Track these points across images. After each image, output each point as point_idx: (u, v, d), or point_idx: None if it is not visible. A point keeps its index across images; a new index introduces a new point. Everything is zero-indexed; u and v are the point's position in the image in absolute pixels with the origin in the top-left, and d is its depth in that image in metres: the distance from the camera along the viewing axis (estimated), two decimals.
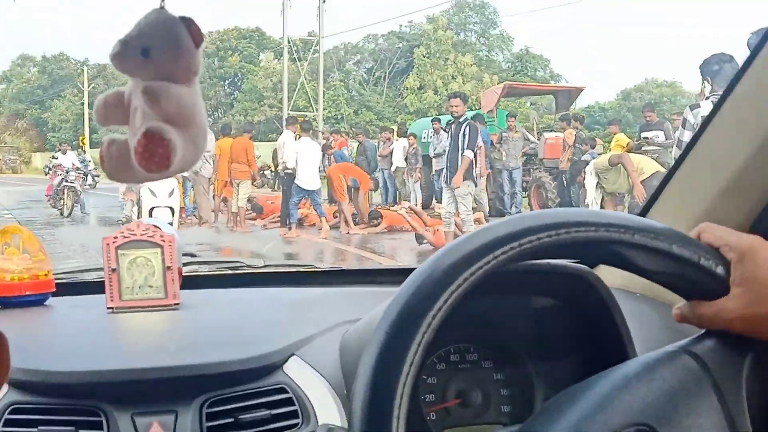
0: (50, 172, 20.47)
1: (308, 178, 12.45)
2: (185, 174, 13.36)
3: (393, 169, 17.75)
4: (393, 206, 15.70)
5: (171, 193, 11.25)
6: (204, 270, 1.97)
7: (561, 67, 58.96)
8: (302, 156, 12.46)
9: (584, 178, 13.12)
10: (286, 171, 12.80)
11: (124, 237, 1.61)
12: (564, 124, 14.06)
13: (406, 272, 0.94)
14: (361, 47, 59.82)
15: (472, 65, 48.72)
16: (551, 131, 16.40)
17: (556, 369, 1.20)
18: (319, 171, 12.92)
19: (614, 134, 12.83)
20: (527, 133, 15.74)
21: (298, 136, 13.12)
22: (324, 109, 37.55)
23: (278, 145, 13.71)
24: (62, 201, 17.57)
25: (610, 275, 1.17)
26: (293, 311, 1.56)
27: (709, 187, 1.25)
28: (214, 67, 64.37)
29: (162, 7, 0.78)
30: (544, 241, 0.79)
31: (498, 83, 50.76)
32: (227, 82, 66.66)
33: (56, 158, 19.75)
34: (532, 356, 1.23)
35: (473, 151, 9.23)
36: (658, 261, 0.83)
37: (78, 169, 18.34)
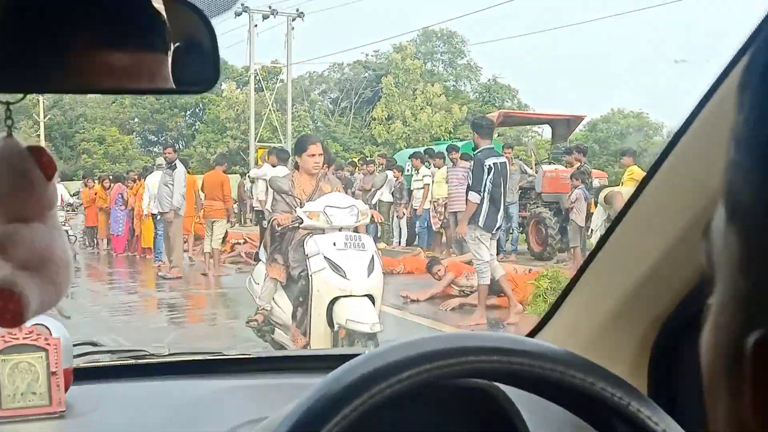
0: None
1: None
2: (160, 210, 12.10)
3: (374, 202, 16.46)
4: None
5: None
6: (104, 360, 1.83)
7: (528, 98, 58.56)
8: None
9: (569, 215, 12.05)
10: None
11: (5, 341, 1.53)
12: (570, 157, 12.91)
13: (322, 359, 1.17)
14: (326, 76, 59.03)
15: (441, 95, 47.95)
16: (549, 163, 15.29)
17: None
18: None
19: (627, 166, 11.76)
20: (524, 166, 14.45)
21: (272, 166, 11.82)
22: (284, 142, 36.45)
23: (256, 174, 12.45)
24: None
25: None
26: (194, 409, 1.50)
27: (610, 299, 1.24)
28: (175, 97, 63.16)
29: (9, 135, 0.72)
30: (433, 373, 0.81)
31: (467, 114, 50.64)
32: (188, 112, 65.48)
33: None
34: None
35: (479, 193, 7.94)
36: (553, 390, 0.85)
37: (71, 205, 15.08)
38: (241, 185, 25.75)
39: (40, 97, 59.01)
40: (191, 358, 1.94)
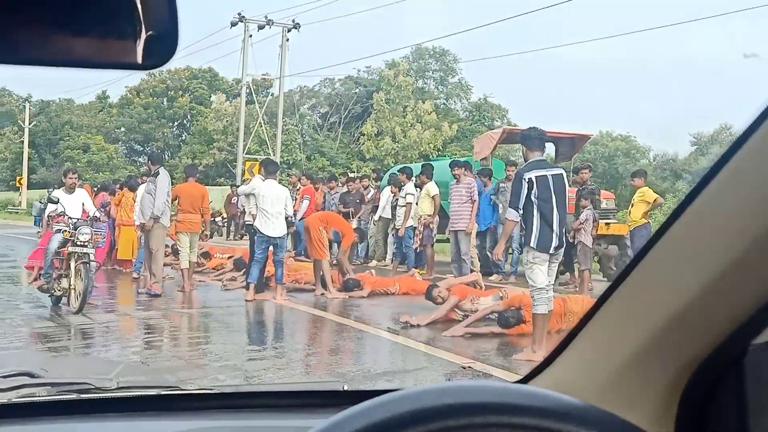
0: (43, 224, 13.86)
1: (273, 225, 10.61)
2: (142, 221, 11.45)
3: (376, 218, 15.94)
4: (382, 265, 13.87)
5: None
6: (41, 395, 1.64)
7: (518, 118, 58.40)
8: (267, 200, 10.60)
9: (574, 238, 11.54)
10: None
11: None
12: (578, 176, 12.37)
13: (295, 395, 1.12)
14: (317, 91, 58.70)
15: (431, 112, 47.72)
16: None
17: None
18: (288, 219, 11.03)
19: (638, 187, 11.27)
20: None
21: (262, 179, 11.20)
22: (273, 155, 35.96)
23: (244, 191, 11.80)
24: (63, 281, 10.14)
25: None
26: None
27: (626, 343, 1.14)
28: (163, 107, 62.81)
29: None
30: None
31: (456, 132, 50.43)
32: (176, 123, 65.10)
33: (55, 200, 10.77)
34: None
35: (518, 210, 7.11)
36: None
37: (97, 219, 11.35)
38: (230, 197, 25.23)
39: (27, 103, 58.61)
40: (143, 394, 1.73)
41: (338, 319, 9.64)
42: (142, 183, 13.10)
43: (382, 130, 47.17)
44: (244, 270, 12.46)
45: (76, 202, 11.18)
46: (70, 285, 9.88)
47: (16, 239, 25.03)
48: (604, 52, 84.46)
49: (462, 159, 15.35)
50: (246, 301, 10.70)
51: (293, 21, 30.71)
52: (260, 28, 30.62)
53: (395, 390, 0.85)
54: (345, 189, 16.71)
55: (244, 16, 30.47)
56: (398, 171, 14.09)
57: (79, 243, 9.90)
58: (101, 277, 14.87)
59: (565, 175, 7.40)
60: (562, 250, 7.34)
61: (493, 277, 12.94)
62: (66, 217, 10.41)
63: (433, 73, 59.05)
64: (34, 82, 72.40)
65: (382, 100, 47.18)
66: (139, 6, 0.72)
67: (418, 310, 9.46)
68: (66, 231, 10.12)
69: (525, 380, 1.39)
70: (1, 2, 0.66)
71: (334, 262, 12.09)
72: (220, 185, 42.01)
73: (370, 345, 8.38)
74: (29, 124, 55.29)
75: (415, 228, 13.60)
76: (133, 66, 0.74)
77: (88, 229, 10.00)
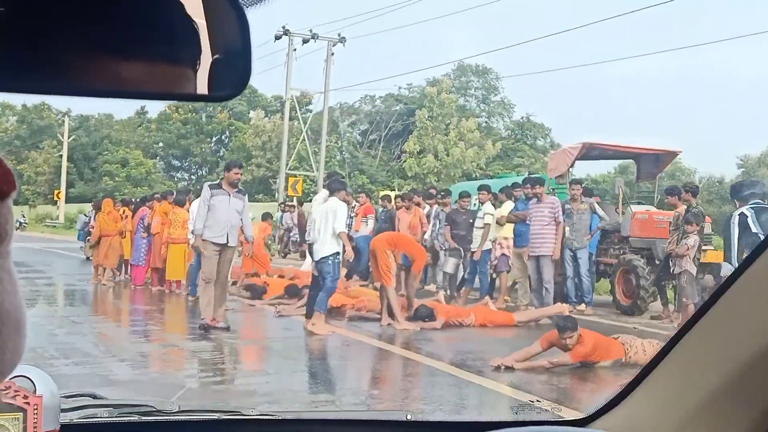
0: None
1: (329, 246, 9.50)
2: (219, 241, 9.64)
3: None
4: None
5: None
6: (103, 416, 1.64)
7: (562, 137, 57.05)
8: (327, 219, 9.49)
9: (679, 267, 10.35)
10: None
11: None
12: (671, 198, 11.14)
13: (356, 424, 1.09)
14: (357, 108, 57.97)
15: (474, 130, 46.72)
16: (638, 203, 13.50)
17: None
18: (351, 241, 9.99)
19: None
20: (596, 206, 12.62)
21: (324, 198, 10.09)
22: (316, 171, 35.14)
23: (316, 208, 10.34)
24: None
25: None
26: None
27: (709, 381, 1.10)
28: (201, 123, 62.54)
29: None
30: None
31: (499, 150, 49.42)
32: (214, 139, 64.75)
33: None
34: None
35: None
36: None
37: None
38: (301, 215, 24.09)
39: (66, 117, 58.63)
40: (204, 417, 1.73)
41: (414, 355, 8.52)
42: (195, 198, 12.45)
43: (425, 147, 46.21)
44: (297, 296, 11.63)
45: None
46: None
47: (53, 254, 24.32)
48: (648, 69, 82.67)
49: (517, 177, 14.16)
50: (315, 333, 9.58)
51: (339, 35, 29.89)
52: (305, 41, 29.82)
53: (458, 423, 0.95)
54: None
55: (288, 30, 29.68)
56: (478, 189, 12.85)
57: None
58: (143, 297, 13.95)
59: None
60: None
61: (581, 307, 11.75)
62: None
63: (475, 91, 58.18)
64: (75, 97, 72.58)
65: (425, 117, 46.24)
66: (205, 35, 0.67)
67: (500, 346, 8.33)
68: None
69: (591, 419, 1.32)
70: (66, 35, 0.62)
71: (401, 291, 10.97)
72: (258, 201, 41.34)
73: (455, 388, 7.24)
74: (68, 138, 55.18)
75: (490, 251, 12.42)
76: (202, 98, 0.70)
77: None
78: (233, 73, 0.68)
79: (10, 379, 1.30)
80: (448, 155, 45.55)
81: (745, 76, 76.63)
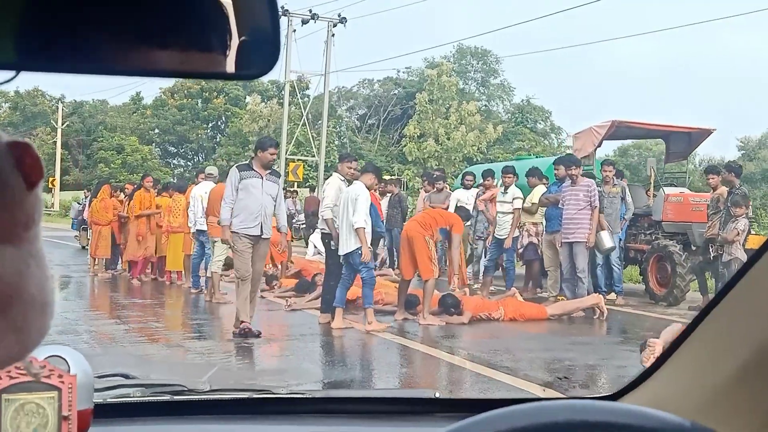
0: None
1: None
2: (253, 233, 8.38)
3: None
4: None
5: None
6: (136, 395, 1.66)
7: (562, 120, 56.35)
8: (349, 209, 8.66)
9: (728, 254, 9.60)
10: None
11: (11, 378, 1.28)
12: (714, 177, 10.32)
13: (386, 402, 1.10)
14: (355, 92, 57.20)
15: (475, 114, 45.97)
16: (671, 185, 12.75)
17: None
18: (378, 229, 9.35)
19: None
20: (626, 188, 11.85)
21: (347, 181, 9.22)
22: (315, 156, 34.38)
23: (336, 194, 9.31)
24: None
25: None
26: None
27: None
28: (197, 109, 61.77)
29: None
30: None
31: (501, 134, 48.74)
32: (210, 125, 64.05)
33: None
34: None
35: None
36: None
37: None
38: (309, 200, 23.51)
39: (60, 104, 57.72)
40: (236, 396, 1.73)
41: (442, 355, 7.82)
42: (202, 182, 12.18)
43: (425, 131, 45.45)
44: (305, 291, 11.06)
45: None
46: None
47: (48, 243, 23.55)
48: (644, 54, 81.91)
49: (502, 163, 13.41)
50: (332, 327, 8.89)
51: (339, 15, 29.04)
52: (304, 22, 28.94)
53: (487, 400, 1.11)
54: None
55: (287, 10, 28.79)
56: (502, 171, 12.03)
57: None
58: (144, 290, 13.26)
59: None
60: None
61: (611, 296, 11.06)
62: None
63: (474, 73, 57.49)
64: (67, 83, 71.82)
65: (425, 101, 45.42)
66: (232, 13, 0.66)
67: (536, 343, 7.62)
68: None
69: (618, 395, 1.34)
70: (90, 13, 0.62)
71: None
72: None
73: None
74: (62, 124, 54.31)
75: (517, 238, 11.68)
76: (230, 76, 0.68)
77: None
78: (262, 51, 0.66)
79: (45, 358, 1.30)
80: (449, 139, 44.83)
81: (748, 59, 75.92)
